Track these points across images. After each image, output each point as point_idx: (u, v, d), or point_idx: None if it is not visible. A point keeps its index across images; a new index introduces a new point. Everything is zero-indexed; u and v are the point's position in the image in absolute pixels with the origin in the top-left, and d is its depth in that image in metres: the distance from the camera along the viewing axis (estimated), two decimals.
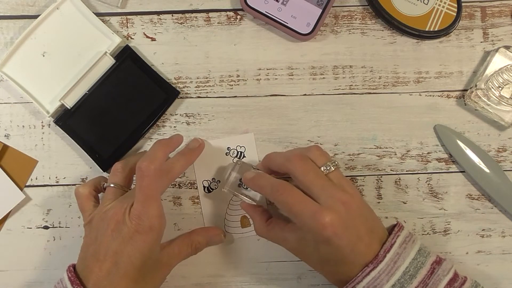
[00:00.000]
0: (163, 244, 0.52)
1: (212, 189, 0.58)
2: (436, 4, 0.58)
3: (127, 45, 0.58)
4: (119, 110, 0.57)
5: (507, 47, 0.57)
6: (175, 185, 0.58)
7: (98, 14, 0.58)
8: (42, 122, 0.58)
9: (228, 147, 0.58)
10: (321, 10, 0.57)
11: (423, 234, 0.58)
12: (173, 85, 0.58)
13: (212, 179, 0.58)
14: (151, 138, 0.58)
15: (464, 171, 0.58)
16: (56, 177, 0.57)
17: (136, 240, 0.47)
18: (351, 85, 0.59)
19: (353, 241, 0.47)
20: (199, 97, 0.58)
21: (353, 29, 0.59)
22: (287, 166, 0.50)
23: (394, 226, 0.50)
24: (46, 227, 0.57)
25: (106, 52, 0.56)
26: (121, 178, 0.53)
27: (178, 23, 0.59)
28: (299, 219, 0.48)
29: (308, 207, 0.47)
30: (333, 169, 0.49)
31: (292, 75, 0.59)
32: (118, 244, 0.47)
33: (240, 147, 0.58)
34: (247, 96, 0.58)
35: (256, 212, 0.53)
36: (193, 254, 0.54)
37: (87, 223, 0.51)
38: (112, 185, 0.52)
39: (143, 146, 0.58)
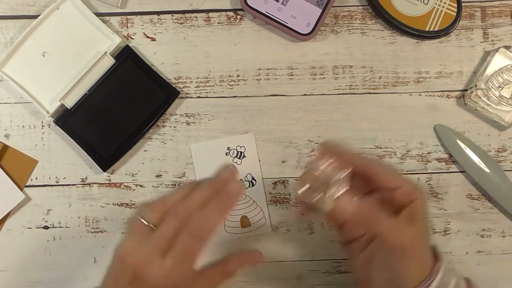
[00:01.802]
0: (195, 273, 0.45)
1: None
2: (436, 4, 0.58)
3: (127, 45, 0.58)
4: (119, 110, 0.57)
5: (507, 47, 0.57)
6: (175, 185, 0.58)
7: (98, 14, 0.58)
8: (42, 122, 0.58)
9: (228, 147, 0.58)
10: (321, 10, 0.57)
11: None
12: (173, 85, 0.58)
13: None
14: (151, 138, 0.58)
15: (464, 171, 0.58)
16: (56, 177, 0.57)
17: None
18: (351, 85, 0.59)
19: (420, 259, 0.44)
20: (199, 97, 0.58)
21: (353, 29, 0.59)
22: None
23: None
24: (46, 227, 0.57)
25: (106, 52, 0.56)
26: (155, 218, 0.44)
27: (178, 23, 0.59)
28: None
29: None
30: None
31: (292, 75, 0.59)
32: None
33: (240, 147, 0.58)
34: (247, 96, 0.58)
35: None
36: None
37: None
38: (143, 220, 0.44)
39: (143, 146, 0.58)
